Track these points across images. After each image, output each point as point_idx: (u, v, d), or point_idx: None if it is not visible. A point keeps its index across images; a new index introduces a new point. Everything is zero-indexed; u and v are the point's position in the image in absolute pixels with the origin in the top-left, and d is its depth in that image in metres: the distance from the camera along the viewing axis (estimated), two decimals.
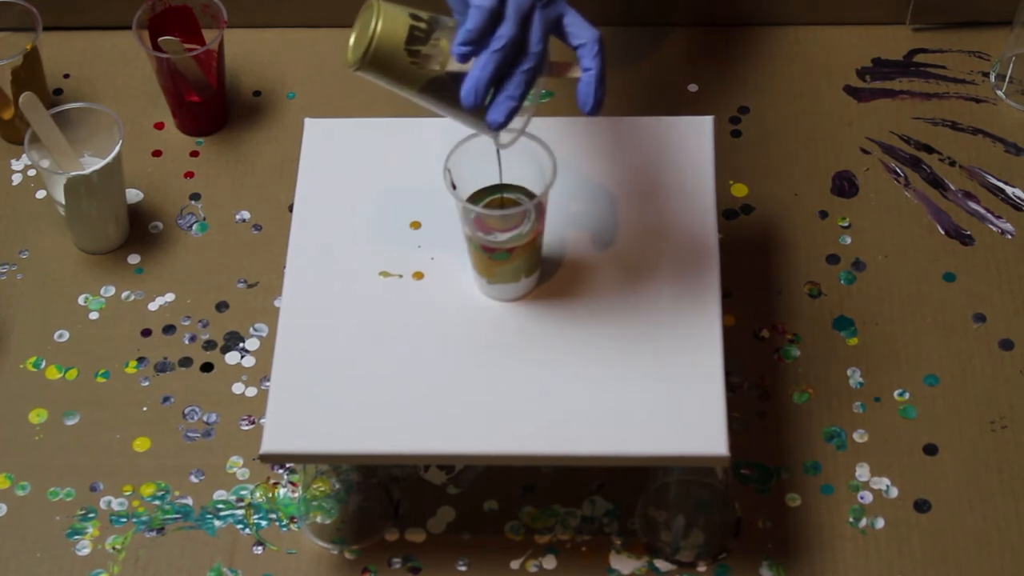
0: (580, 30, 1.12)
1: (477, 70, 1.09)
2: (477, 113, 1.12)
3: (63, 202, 1.39)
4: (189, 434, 1.34)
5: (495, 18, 1.09)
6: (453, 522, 1.29)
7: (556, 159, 1.18)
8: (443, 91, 1.12)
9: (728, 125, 1.51)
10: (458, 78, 1.11)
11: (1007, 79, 1.52)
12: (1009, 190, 1.45)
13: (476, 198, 1.21)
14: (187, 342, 1.39)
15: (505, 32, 1.09)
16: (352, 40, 1.12)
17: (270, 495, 1.31)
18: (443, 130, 1.29)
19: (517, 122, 1.14)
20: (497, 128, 1.11)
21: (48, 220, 1.47)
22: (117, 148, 1.38)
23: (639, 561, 1.27)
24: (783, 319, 1.38)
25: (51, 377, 1.37)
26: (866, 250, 1.42)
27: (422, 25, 1.11)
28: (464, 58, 1.09)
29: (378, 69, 1.11)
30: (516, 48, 1.09)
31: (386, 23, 1.09)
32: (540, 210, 1.20)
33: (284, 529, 1.29)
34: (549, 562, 1.27)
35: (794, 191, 1.46)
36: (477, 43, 1.09)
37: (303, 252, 1.27)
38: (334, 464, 1.28)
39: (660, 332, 1.21)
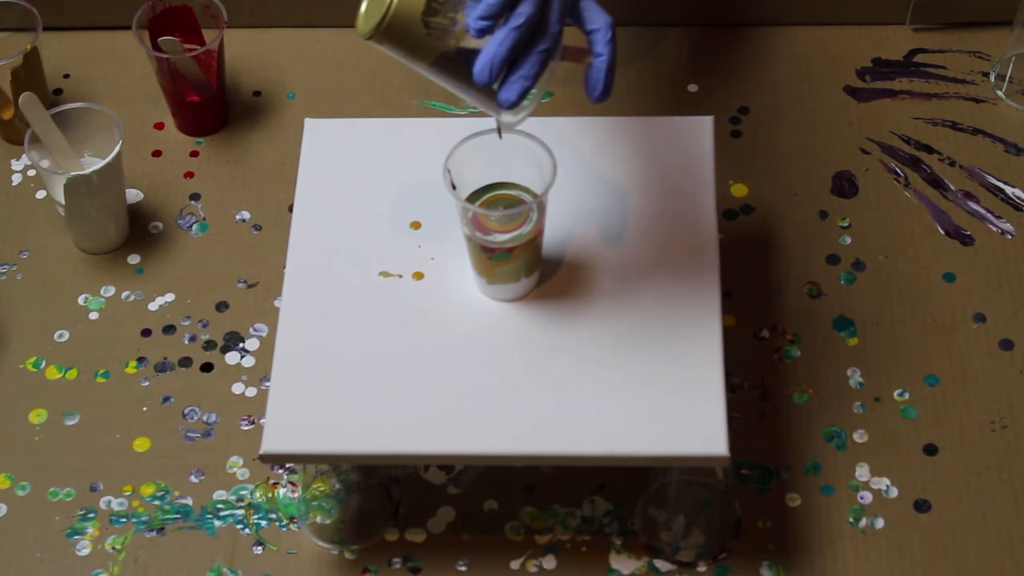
0: (594, 15, 1.11)
1: (493, 46, 1.08)
2: (488, 90, 1.11)
3: (63, 202, 1.39)
4: (189, 434, 1.34)
5: None
6: (453, 522, 1.29)
7: (556, 159, 1.18)
8: (456, 66, 1.11)
9: (728, 125, 1.51)
10: (472, 54, 1.10)
11: (1007, 79, 1.52)
12: (1009, 190, 1.46)
13: (476, 197, 1.21)
14: (187, 342, 1.39)
15: (525, 9, 1.08)
16: (363, 8, 1.10)
17: (270, 495, 1.31)
18: (443, 130, 1.29)
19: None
20: (508, 107, 1.10)
21: (48, 220, 1.47)
22: (117, 148, 1.38)
23: (639, 561, 1.27)
24: (783, 319, 1.38)
25: (51, 377, 1.37)
26: (866, 250, 1.42)
27: None
28: (481, 33, 1.08)
29: (393, 39, 1.09)
30: (534, 27, 1.09)
31: None
32: (540, 210, 1.20)
33: (284, 529, 1.29)
34: (549, 562, 1.27)
35: (794, 191, 1.46)
36: (496, 18, 1.08)
37: (303, 252, 1.27)
38: (334, 464, 1.28)
39: (660, 332, 1.21)
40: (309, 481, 1.29)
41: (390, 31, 1.09)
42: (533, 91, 1.11)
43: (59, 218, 1.45)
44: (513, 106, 1.10)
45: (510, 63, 1.09)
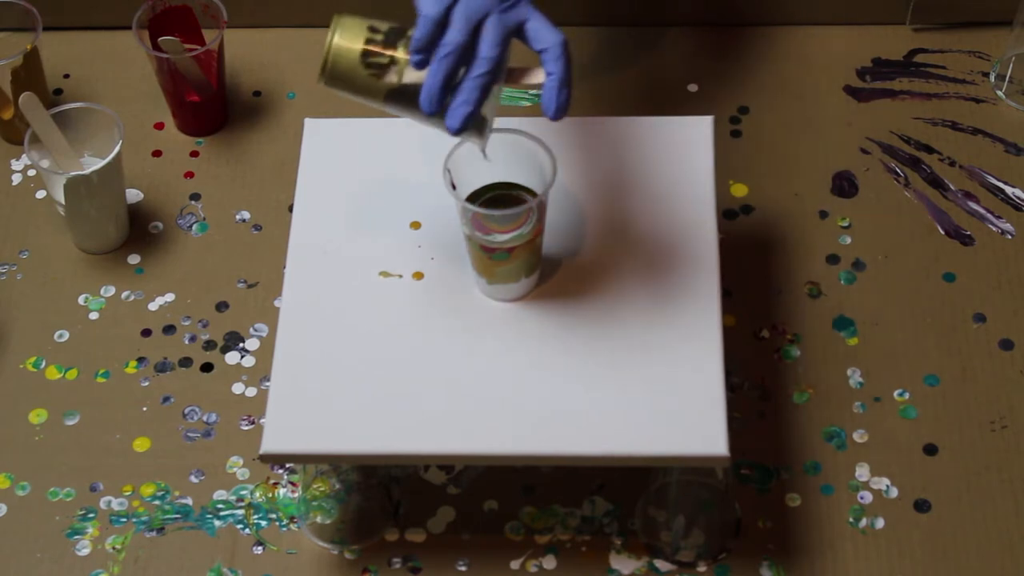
0: (543, 35, 1.12)
1: (429, 78, 1.11)
2: (441, 119, 1.13)
3: (63, 202, 1.39)
4: (189, 434, 1.34)
5: (442, 26, 1.10)
6: (453, 522, 1.29)
7: (556, 159, 1.18)
8: (407, 99, 1.14)
9: (728, 125, 1.51)
10: (418, 87, 1.13)
11: (1007, 79, 1.52)
12: (1009, 190, 1.46)
13: (476, 197, 1.21)
14: (187, 342, 1.39)
15: (451, 39, 1.10)
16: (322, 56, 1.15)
17: (270, 495, 1.31)
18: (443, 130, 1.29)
19: (512, 123, 1.15)
20: (454, 133, 1.12)
21: (48, 220, 1.47)
22: (117, 148, 1.38)
23: (639, 561, 1.27)
24: (783, 319, 1.38)
25: (51, 377, 1.37)
26: (866, 250, 1.42)
27: (378, 37, 1.13)
28: (420, 65, 1.11)
29: (340, 83, 1.14)
30: (466, 54, 1.10)
31: (341, 38, 1.13)
32: (540, 210, 1.20)
33: (284, 529, 1.29)
34: (549, 562, 1.27)
35: (794, 191, 1.46)
36: (425, 51, 1.11)
37: (303, 252, 1.27)
38: (334, 464, 1.28)
39: (660, 332, 1.21)
40: (309, 481, 1.29)
41: (334, 76, 1.13)
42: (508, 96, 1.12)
43: (59, 218, 1.45)
44: (459, 132, 1.11)
45: (453, 91, 1.11)
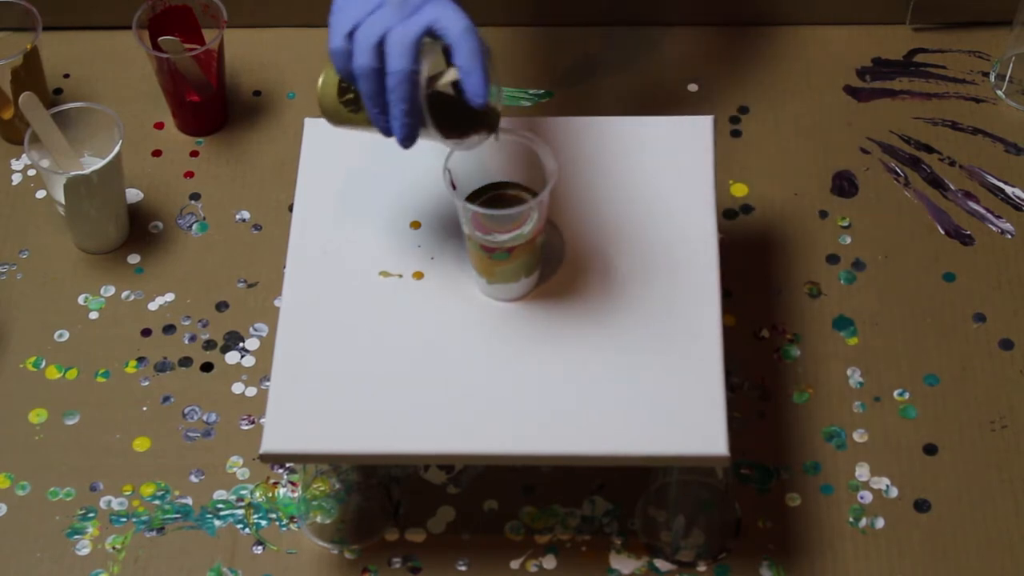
0: (449, 29, 1.12)
1: (365, 104, 1.14)
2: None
3: (63, 202, 1.39)
4: (189, 434, 1.34)
5: (350, 56, 1.13)
6: (453, 522, 1.29)
7: (556, 159, 1.18)
8: None
9: (728, 125, 1.51)
10: None
11: (1007, 79, 1.52)
12: (1009, 190, 1.46)
13: (476, 197, 1.21)
14: (187, 342, 1.39)
15: (358, 64, 1.12)
16: None
17: (270, 495, 1.31)
18: None
19: (512, 123, 1.14)
20: (404, 147, 1.13)
21: (48, 220, 1.47)
22: (117, 148, 1.38)
23: (639, 561, 1.27)
24: (783, 319, 1.38)
25: (51, 377, 1.37)
26: (866, 250, 1.42)
27: None
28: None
29: (335, 121, 1.20)
30: (378, 73, 1.12)
31: (323, 84, 1.19)
32: (540, 210, 1.20)
33: (284, 529, 1.29)
34: (549, 562, 1.27)
35: (794, 191, 1.46)
36: (352, 80, 1.13)
37: (303, 252, 1.27)
38: (334, 464, 1.28)
39: (660, 332, 1.21)
40: (309, 481, 1.29)
41: (327, 116, 1.20)
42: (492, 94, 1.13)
43: (59, 218, 1.45)
44: (406, 145, 1.13)
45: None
